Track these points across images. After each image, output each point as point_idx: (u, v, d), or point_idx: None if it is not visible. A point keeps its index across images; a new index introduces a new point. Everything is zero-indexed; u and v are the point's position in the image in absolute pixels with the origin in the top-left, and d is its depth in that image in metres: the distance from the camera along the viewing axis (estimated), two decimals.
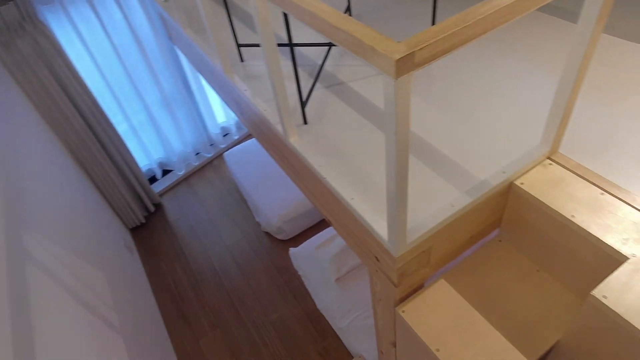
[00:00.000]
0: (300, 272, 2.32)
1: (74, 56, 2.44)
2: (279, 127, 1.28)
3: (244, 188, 2.83)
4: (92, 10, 2.39)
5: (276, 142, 1.39)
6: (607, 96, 1.21)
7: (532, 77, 1.31)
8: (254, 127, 1.58)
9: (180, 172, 3.28)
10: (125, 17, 2.51)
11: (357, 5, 1.85)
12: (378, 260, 1.05)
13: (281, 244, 2.68)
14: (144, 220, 3.02)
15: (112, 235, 2.44)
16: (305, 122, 1.32)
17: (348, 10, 1.80)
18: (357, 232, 1.09)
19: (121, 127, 2.83)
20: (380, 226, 0.97)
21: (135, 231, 3.00)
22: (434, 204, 1.01)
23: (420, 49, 0.59)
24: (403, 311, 1.08)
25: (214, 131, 3.33)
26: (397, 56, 0.58)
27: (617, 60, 1.32)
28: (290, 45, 1.14)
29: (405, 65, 0.59)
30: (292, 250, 2.41)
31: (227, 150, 3.19)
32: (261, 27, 0.96)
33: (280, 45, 1.65)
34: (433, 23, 1.36)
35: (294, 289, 2.42)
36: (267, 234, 2.75)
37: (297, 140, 1.24)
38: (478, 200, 1.01)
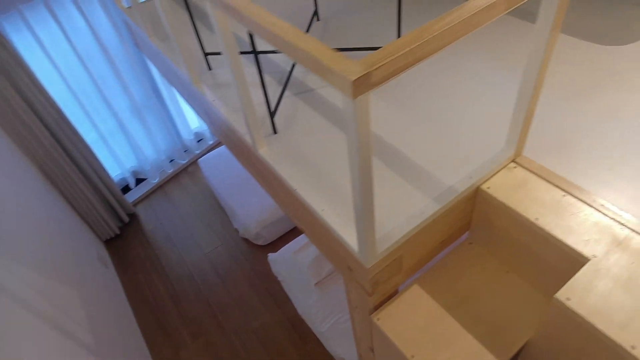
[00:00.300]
0: (279, 278, 2.31)
1: (35, 66, 2.36)
2: (247, 138, 1.27)
3: (220, 194, 2.80)
4: (53, 19, 2.31)
5: (246, 152, 1.38)
6: (569, 97, 1.25)
7: (498, 79, 1.34)
8: (224, 137, 1.56)
9: (154, 181, 3.22)
10: (89, 24, 2.44)
11: (326, 8, 1.85)
12: (351, 269, 1.05)
13: (260, 250, 2.66)
14: (118, 232, 2.95)
15: (85, 250, 2.38)
16: (274, 131, 1.31)
17: (315, 14, 1.80)
18: (329, 243, 1.09)
19: (90, 136, 2.75)
20: (351, 237, 0.97)
21: (110, 243, 2.92)
22: (404, 212, 1.02)
23: (377, 68, 0.59)
24: (378, 319, 1.09)
25: (188, 137, 3.27)
26: (354, 77, 0.58)
27: (579, 60, 1.36)
28: (255, 52, 1.13)
29: (362, 85, 0.59)
30: (270, 255, 2.39)
31: (202, 156, 3.14)
32: (223, 38, 0.95)
33: (244, 52, 1.64)
34: (399, 33, 1.37)
35: (275, 294, 2.41)
36: (246, 240, 2.73)
37: (266, 151, 1.23)
38: (446, 207, 1.03)
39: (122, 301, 2.47)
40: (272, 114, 1.28)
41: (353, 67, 0.59)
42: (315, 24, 1.77)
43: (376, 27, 1.67)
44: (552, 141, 1.13)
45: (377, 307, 1.12)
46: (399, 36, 1.46)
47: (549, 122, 1.18)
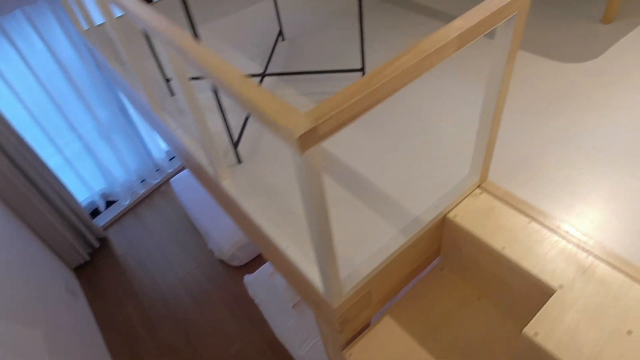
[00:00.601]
0: (256, 300, 2.26)
1: None
2: (210, 170, 1.22)
3: (194, 215, 2.73)
4: (9, 43, 2.21)
5: (210, 182, 1.33)
6: (532, 117, 1.25)
7: (466, 100, 1.33)
8: (189, 164, 1.51)
9: (125, 202, 3.12)
10: (48, 46, 2.34)
11: (291, 28, 1.82)
12: (318, 306, 1.02)
13: (236, 271, 2.60)
14: (88, 258, 2.84)
15: (52, 283, 2.27)
16: (239, 160, 1.27)
17: (281, 34, 1.77)
18: (295, 278, 1.06)
19: (54, 161, 2.64)
20: (317, 276, 0.94)
21: (80, 271, 2.81)
22: (371, 245, 0.99)
23: (324, 121, 0.56)
24: (350, 354, 1.06)
25: (159, 156, 3.19)
26: (299, 132, 0.55)
27: (541, 79, 1.37)
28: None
29: (310, 139, 0.56)
30: (247, 277, 2.34)
31: (174, 175, 3.07)
32: (173, 67, 0.90)
33: (195, 78, 1.59)
34: (362, 59, 1.35)
35: (252, 317, 2.36)
36: (221, 261, 2.67)
37: (229, 184, 1.19)
38: (413, 238, 1.01)
39: (93, 332, 2.37)
40: (235, 144, 1.24)
41: (300, 120, 0.56)
42: (280, 44, 1.74)
43: (343, 46, 1.66)
44: (516, 164, 1.13)
45: (349, 341, 1.08)
46: (362, 62, 1.44)
47: (513, 144, 1.18)
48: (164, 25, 0.82)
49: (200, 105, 1.00)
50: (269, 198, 1.14)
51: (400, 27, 1.70)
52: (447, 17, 1.70)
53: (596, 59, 1.40)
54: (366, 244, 0.99)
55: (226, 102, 1.49)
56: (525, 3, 0.74)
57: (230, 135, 1.21)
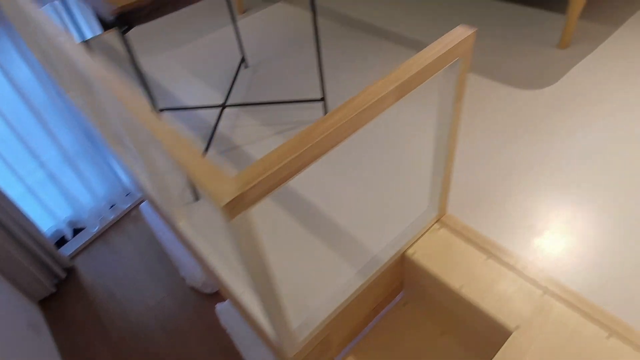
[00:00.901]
0: (228, 330, 2.19)
1: None
2: (164, 210, 1.18)
3: (164, 241, 2.65)
4: None
5: (167, 220, 1.29)
6: (490, 146, 1.25)
7: (423, 132, 1.33)
8: (148, 199, 1.46)
9: (94, 229, 3.02)
10: (5, 71, 2.26)
11: (255, 54, 1.80)
12: (277, 351, 0.98)
13: (208, 299, 2.53)
14: (54, 290, 2.72)
15: (11, 318, 2.16)
16: (196, 198, 1.23)
17: (243, 61, 1.75)
18: (252, 323, 1.02)
19: (15, 191, 2.54)
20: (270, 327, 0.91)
21: (45, 303, 2.69)
22: (327, 289, 0.97)
23: (253, 187, 0.54)
24: None
25: (129, 179, 3.10)
26: (225, 200, 0.52)
27: (499, 106, 1.38)
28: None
29: (238, 206, 0.53)
30: (218, 306, 2.27)
31: (145, 200, 2.99)
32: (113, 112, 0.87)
33: (163, 110, 1.55)
34: (322, 88, 1.34)
35: (225, 348, 2.29)
36: (193, 288, 2.60)
37: (185, 225, 1.14)
38: (372, 278, 0.98)
39: None
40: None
41: (227, 187, 0.53)
42: (243, 71, 1.72)
43: (307, 73, 1.64)
44: (476, 194, 1.12)
45: None
46: (322, 92, 1.43)
47: (472, 173, 1.18)
48: (100, 74, 0.79)
49: (149, 147, 0.96)
50: (225, 240, 1.11)
51: (367, 54, 1.70)
52: (414, 44, 1.71)
53: (553, 85, 1.42)
54: (322, 287, 0.97)
55: (184, 134, 1.45)
56: (467, 48, 0.74)
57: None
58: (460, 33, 0.72)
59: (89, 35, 2.51)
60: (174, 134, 0.62)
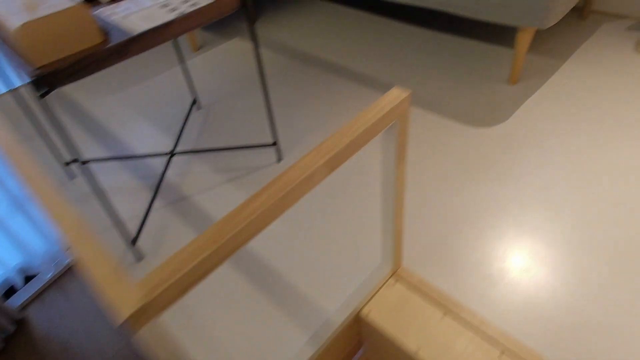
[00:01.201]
0: None
1: None
2: None
3: None
4: None
5: None
6: (442, 190, 1.23)
7: (373, 187, 1.30)
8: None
9: (47, 275, 2.83)
10: None
11: (207, 95, 1.75)
12: None
13: None
14: (3, 345, 2.51)
15: None
16: (139, 258, 1.15)
17: (195, 102, 1.70)
18: None
19: None
20: None
21: None
22: (279, 358, 0.90)
23: (161, 293, 0.48)
24: None
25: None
26: (128, 312, 0.45)
27: (452, 145, 1.37)
28: (82, 162, 0.98)
29: (143, 317, 0.47)
30: None
31: None
32: None
33: (108, 158, 1.47)
34: (273, 133, 1.30)
35: None
36: None
37: None
38: (327, 341, 0.92)
39: None
40: (133, 240, 1.12)
41: (128, 295, 0.47)
42: (195, 113, 1.66)
43: (259, 114, 1.60)
44: (430, 245, 1.09)
45: None
46: (273, 137, 1.39)
47: (426, 220, 1.15)
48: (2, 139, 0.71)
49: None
50: (169, 310, 1.02)
51: (320, 91, 1.68)
52: (365, 79, 1.70)
53: (504, 122, 1.42)
54: (274, 356, 0.90)
55: (131, 184, 1.37)
56: (404, 109, 0.71)
57: (124, 231, 1.09)
58: (397, 95, 0.70)
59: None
60: (77, 222, 0.56)
